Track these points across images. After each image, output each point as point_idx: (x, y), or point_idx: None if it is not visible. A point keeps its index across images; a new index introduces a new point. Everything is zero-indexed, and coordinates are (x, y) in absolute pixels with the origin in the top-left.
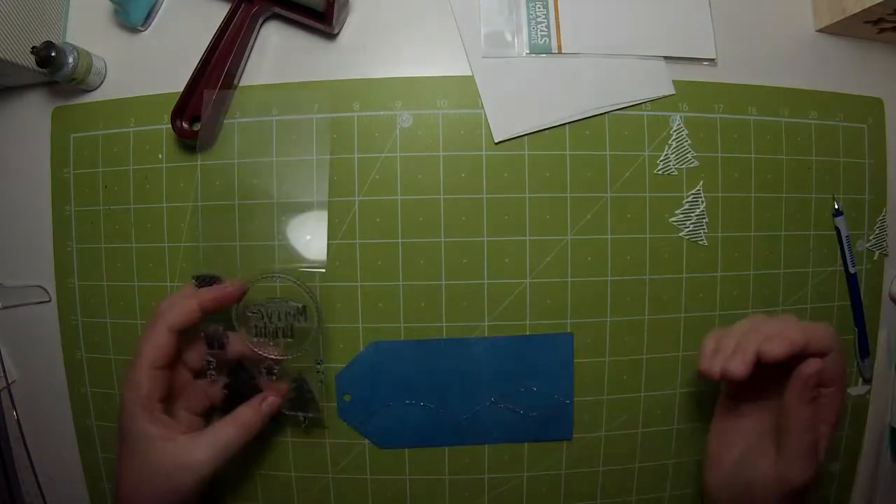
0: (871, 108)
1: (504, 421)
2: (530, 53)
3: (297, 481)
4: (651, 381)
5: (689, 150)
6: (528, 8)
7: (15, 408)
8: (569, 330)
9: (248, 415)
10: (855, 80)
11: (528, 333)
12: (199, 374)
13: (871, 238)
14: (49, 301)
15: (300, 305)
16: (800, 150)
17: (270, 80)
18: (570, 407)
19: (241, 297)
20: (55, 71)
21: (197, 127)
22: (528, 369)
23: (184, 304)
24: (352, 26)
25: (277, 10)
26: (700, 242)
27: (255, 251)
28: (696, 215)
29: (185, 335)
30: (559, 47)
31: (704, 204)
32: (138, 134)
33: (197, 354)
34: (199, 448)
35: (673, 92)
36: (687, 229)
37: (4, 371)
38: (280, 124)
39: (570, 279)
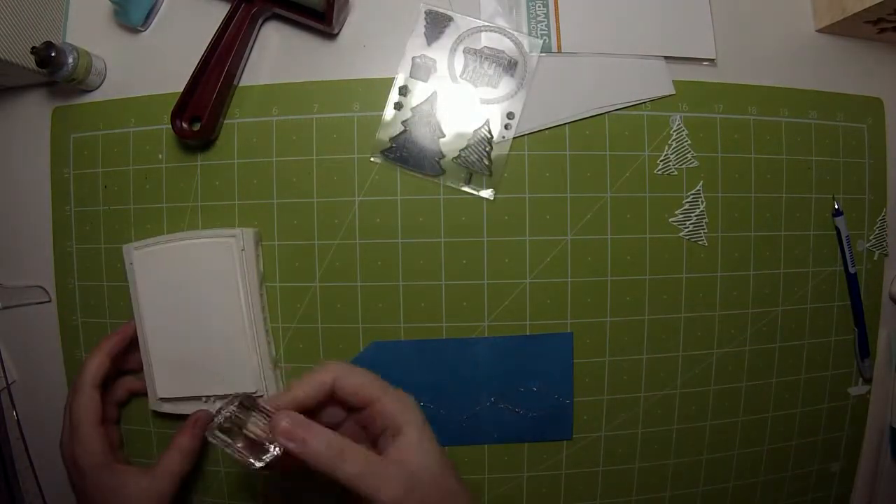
0: (871, 108)
1: (504, 421)
2: (530, 52)
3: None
4: (651, 381)
5: (689, 150)
6: (528, 7)
7: (15, 408)
8: (569, 330)
9: (184, 441)
10: (855, 80)
11: (528, 334)
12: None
13: (871, 238)
14: (49, 301)
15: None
16: (800, 150)
17: (270, 80)
18: (570, 407)
19: (133, 333)
20: (55, 71)
21: (197, 127)
22: (528, 369)
23: (93, 361)
24: (352, 26)
25: (277, 10)
26: (700, 242)
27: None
28: (696, 215)
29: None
30: (559, 47)
31: (704, 204)
32: (138, 134)
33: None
34: (157, 481)
35: (673, 92)
36: (687, 229)
37: (4, 371)
38: (280, 124)
39: (570, 279)
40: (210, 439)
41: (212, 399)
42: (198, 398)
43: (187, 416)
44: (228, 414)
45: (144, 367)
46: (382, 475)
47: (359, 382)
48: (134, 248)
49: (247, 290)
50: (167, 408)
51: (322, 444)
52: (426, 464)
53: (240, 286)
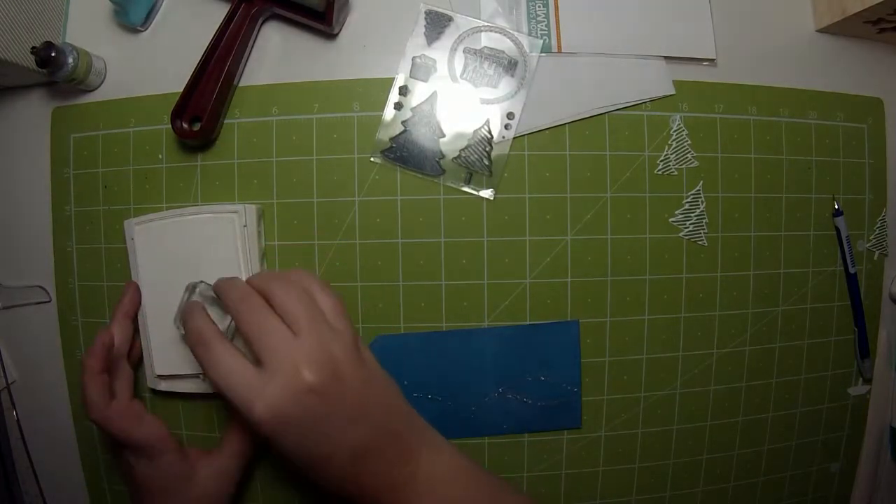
0: (871, 108)
1: (512, 411)
2: (530, 52)
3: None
4: (651, 381)
5: (689, 150)
6: (528, 7)
7: (15, 408)
8: None
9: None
10: (855, 80)
11: (534, 323)
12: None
13: (871, 238)
14: (49, 301)
15: None
16: (800, 150)
17: (270, 80)
18: (578, 395)
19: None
20: (55, 71)
21: (197, 127)
22: (535, 358)
23: (111, 333)
24: (352, 26)
25: (277, 10)
26: (700, 242)
27: None
28: (696, 215)
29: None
30: (559, 47)
31: (704, 204)
32: (138, 134)
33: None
34: (225, 460)
35: (673, 92)
36: (687, 229)
37: (4, 371)
38: (280, 124)
39: (570, 279)
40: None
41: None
42: (196, 376)
43: (183, 393)
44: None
45: (143, 344)
46: (254, 387)
47: (227, 300)
48: (135, 223)
49: (248, 266)
50: (164, 385)
51: (190, 326)
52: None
53: (241, 262)
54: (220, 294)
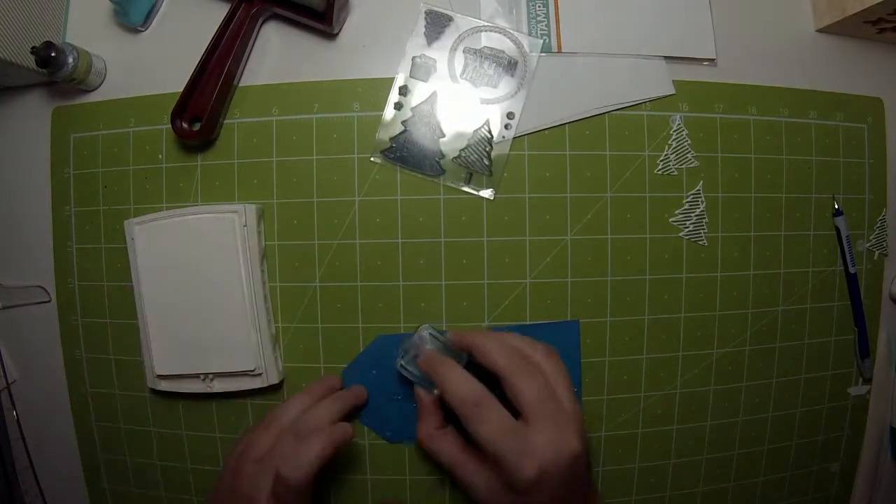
0: (871, 108)
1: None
2: (530, 52)
3: None
4: (651, 381)
5: (689, 150)
6: (527, 7)
7: (15, 408)
8: None
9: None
10: (855, 80)
11: (535, 322)
12: None
13: (871, 238)
14: (49, 301)
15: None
16: (800, 150)
17: (270, 80)
18: (578, 395)
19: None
20: (55, 71)
21: (197, 127)
22: None
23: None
24: (352, 26)
25: (277, 10)
26: (700, 242)
27: None
28: (696, 215)
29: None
30: (559, 47)
31: (704, 204)
32: (138, 134)
33: None
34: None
35: (673, 92)
36: (687, 229)
37: (4, 371)
38: (280, 124)
39: (570, 279)
40: (398, 367)
41: (210, 377)
42: (196, 375)
43: (185, 393)
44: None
45: (142, 344)
46: (523, 448)
47: (489, 348)
48: (135, 223)
49: (248, 266)
50: (164, 385)
51: (453, 385)
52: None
53: (241, 262)
54: (484, 350)
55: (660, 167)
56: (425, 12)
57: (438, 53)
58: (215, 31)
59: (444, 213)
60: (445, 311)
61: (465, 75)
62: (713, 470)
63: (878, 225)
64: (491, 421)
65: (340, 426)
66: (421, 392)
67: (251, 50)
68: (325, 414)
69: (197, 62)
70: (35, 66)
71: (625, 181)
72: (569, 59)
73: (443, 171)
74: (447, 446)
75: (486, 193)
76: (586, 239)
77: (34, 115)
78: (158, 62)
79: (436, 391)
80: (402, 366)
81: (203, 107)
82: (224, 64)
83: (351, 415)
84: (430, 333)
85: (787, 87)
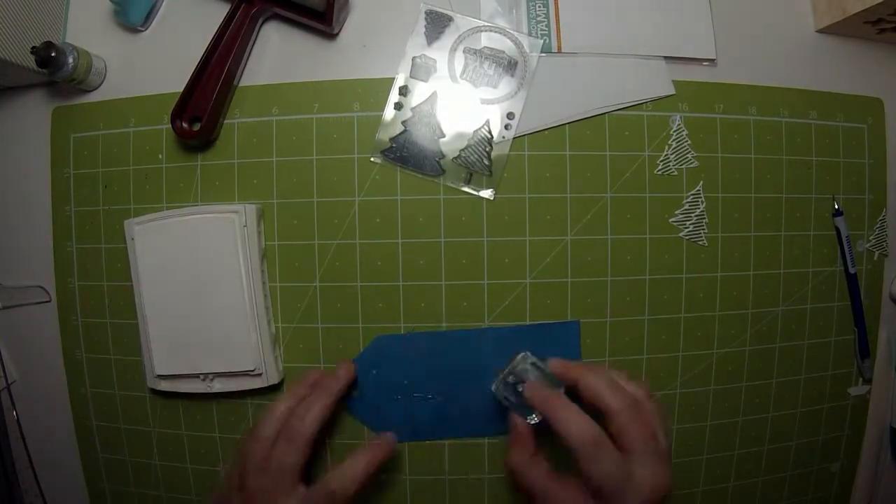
0: (871, 108)
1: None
2: (530, 52)
3: None
4: (651, 381)
5: (689, 150)
6: (527, 7)
7: (15, 408)
8: None
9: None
10: (855, 80)
11: (535, 323)
12: None
13: (871, 238)
14: (49, 301)
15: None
16: (800, 150)
17: (270, 81)
18: None
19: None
20: (55, 71)
21: (197, 127)
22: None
23: (316, 412)
24: (352, 26)
25: (277, 10)
26: (700, 242)
27: None
28: (696, 215)
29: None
30: (559, 47)
31: (704, 204)
32: (138, 134)
33: None
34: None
35: (673, 92)
36: (687, 229)
37: (4, 371)
38: (280, 124)
39: (570, 279)
40: (494, 390)
41: (210, 377)
42: (195, 376)
43: (185, 393)
44: (513, 372)
45: (142, 344)
46: (627, 484)
47: (600, 389)
48: (135, 223)
49: (248, 266)
50: (164, 385)
51: (573, 425)
52: None
53: (241, 262)
54: (596, 392)
55: (660, 167)
56: (425, 12)
57: (438, 53)
58: (215, 31)
59: (444, 213)
60: (445, 311)
61: (465, 75)
62: (713, 470)
63: (878, 225)
64: (605, 460)
65: (383, 439)
66: (518, 420)
67: (251, 50)
68: (311, 413)
69: (197, 62)
70: (35, 66)
71: (625, 181)
72: (569, 60)
73: (443, 172)
74: (541, 475)
75: (486, 193)
76: (586, 239)
77: (34, 115)
78: (158, 62)
79: (533, 419)
80: (498, 391)
81: (203, 107)
82: (224, 64)
83: (343, 396)
84: (532, 363)
85: (787, 87)
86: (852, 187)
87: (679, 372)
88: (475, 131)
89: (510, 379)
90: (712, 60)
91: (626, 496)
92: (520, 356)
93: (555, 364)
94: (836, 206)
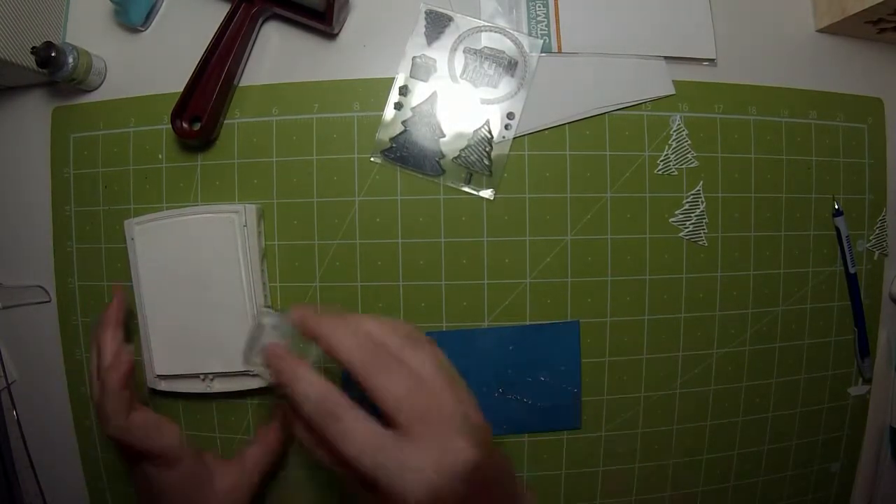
0: (871, 108)
1: (513, 411)
2: (530, 52)
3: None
4: (651, 381)
5: (689, 150)
6: (527, 7)
7: (15, 408)
8: None
9: (271, 436)
10: (855, 80)
11: (535, 323)
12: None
13: (871, 238)
14: (49, 301)
15: None
16: (800, 150)
17: (270, 81)
18: (579, 396)
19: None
20: (55, 71)
21: (197, 127)
22: (535, 359)
23: (108, 339)
24: (352, 26)
25: (277, 10)
26: (700, 242)
27: None
28: (696, 215)
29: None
30: (559, 47)
31: (704, 204)
32: (138, 134)
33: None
34: (246, 476)
35: (673, 92)
36: (687, 229)
37: (4, 371)
38: (280, 124)
39: (570, 279)
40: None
41: (210, 377)
42: (195, 376)
43: (185, 393)
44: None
45: (143, 344)
46: (402, 466)
47: (336, 339)
48: (135, 223)
49: (248, 266)
50: (164, 385)
51: (308, 390)
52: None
53: (241, 262)
54: (331, 342)
55: (660, 167)
56: (425, 12)
57: (438, 53)
58: (215, 31)
59: (444, 213)
60: (445, 311)
61: (465, 75)
62: (713, 470)
63: (878, 225)
64: (355, 435)
65: (119, 357)
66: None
67: (251, 50)
68: (106, 352)
69: (197, 62)
70: (35, 66)
71: (625, 181)
72: (569, 60)
73: (443, 171)
74: (328, 453)
75: (486, 193)
76: (586, 239)
77: (34, 115)
78: (158, 62)
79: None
80: (249, 362)
81: (203, 107)
82: (224, 64)
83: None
84: (271, 323)
85: (787, 87)
86: (852, 187)
87: (679, 372)
88: (475, 131)
89: (256, 346)
90: (712, 60)
91: (404, 484)
92: (259, 313)
93: (294, 314)
94: (836, 206)
